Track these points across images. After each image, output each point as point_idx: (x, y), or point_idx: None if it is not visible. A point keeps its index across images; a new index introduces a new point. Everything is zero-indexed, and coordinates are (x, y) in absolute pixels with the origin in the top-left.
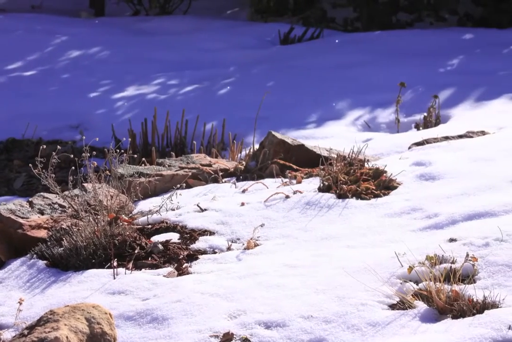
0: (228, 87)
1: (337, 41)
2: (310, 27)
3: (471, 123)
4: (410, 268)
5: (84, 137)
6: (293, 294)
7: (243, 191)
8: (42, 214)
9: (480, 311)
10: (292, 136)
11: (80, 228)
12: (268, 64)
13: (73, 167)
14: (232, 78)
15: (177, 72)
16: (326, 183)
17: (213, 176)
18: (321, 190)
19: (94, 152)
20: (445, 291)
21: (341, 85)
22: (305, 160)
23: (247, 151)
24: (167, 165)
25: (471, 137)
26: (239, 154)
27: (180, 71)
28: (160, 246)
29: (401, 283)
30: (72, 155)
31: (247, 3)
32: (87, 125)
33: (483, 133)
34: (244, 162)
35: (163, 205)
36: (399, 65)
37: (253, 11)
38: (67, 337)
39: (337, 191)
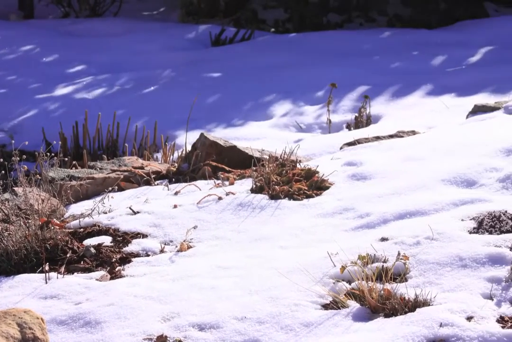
0: (160, 89)
1: (268, 42)
2: (241, 29)
3: (402, 123)
4: (343, 268)
5: (13, 141)
6: (226, 295)
7: (176, 193)
8: None
9: (412, 309)
10: (225, 137)
11: (11, 233)
12: (200, 65)
13: (3, 172)
14: (164, 80)
15: (108, 74)
16: (259, 184)
17: (145, 178)
18: (253, 191)
19: (24, 156)
20: (377, 290)
21: (273, 86)
22: (238, 161)
23: (180, 153)
24: (98, 168)
25: (402, 137)
26: (171, 157)
27: (112, 73)
28: (93, 250)
29: (334, 283)
30: (1, 160)
31: (178, 5)
32: (17, 128)
33: (413, 133)
34: (176, 165)
35: (95, 208)
36: (330, 66)
37: (184, 13)
38: None
39: (270, 192)
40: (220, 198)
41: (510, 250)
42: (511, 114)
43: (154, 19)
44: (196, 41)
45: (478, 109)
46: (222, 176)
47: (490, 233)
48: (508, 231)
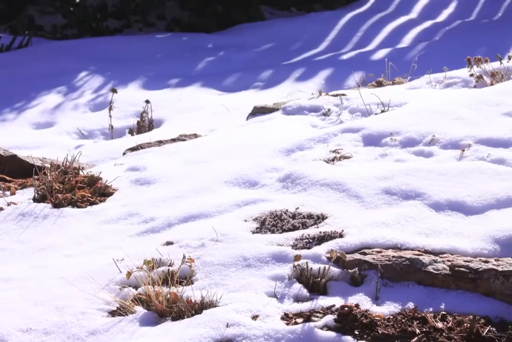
0: None
1: (46, 48)
2: (19, 35)
3: (184, 126)
4: (129, 273)
5: None
6: (11, 308)
7: None
8: None
9: (199, 311)
10: (5, 147)
11: None
12: None
13: None
14: None
15: None
16: (41, 193)
17: None
18: (36, 200)
19: None
20: (164, 294)
21: (53, 92)
22: (19, 171)
23: None
24: None
25: (184, 140)
26: None
27: None
28: None
29: (120, 289)
30: None
31: None
32: None
33: (195, 136)
34: None
35: None
36: (110, 72)
37: None
38: None
39: (53, 200)
40: (1, 209)
41: (292, 248)
42: (289, 115)
43: None
44: None
45: (258, 111)
46: (3, 186)
47: (273, 232)
48: (289, 230)
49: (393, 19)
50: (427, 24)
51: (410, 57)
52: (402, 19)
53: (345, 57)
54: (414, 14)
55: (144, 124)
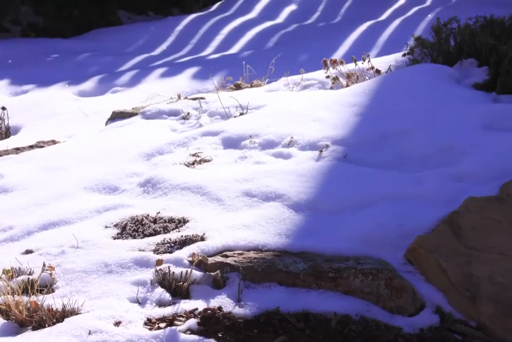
0: None
1: None
2: None
3: (42, 133)
4: None
5: None
6: None
7: None
8: None
9: (61, 319)
10: None
11: None
12: None
13: None
14: None
15: None
16: None
17: None
18: None
19: None
20: (24, 303)
21: None
22: None
23: None
24: None
25: (42, 147)
26: None
27: None
28: None
29: None
30: None
31: None
32: None
33: (53, 142)
34: None
35: None
36: None
37: None
38: None
39: None
40: None
41: (154, 253)
42: (148, 119)
43: None
44: None
45: (117, 116)
46: None
47: (134, 237)
48: (151, 234)
49: (234, 20)
50: (268, 24)
51: (241, 59)
52: (242, 19)
53: (183, 60)
54: (254, 13)
55: (1, 132)
